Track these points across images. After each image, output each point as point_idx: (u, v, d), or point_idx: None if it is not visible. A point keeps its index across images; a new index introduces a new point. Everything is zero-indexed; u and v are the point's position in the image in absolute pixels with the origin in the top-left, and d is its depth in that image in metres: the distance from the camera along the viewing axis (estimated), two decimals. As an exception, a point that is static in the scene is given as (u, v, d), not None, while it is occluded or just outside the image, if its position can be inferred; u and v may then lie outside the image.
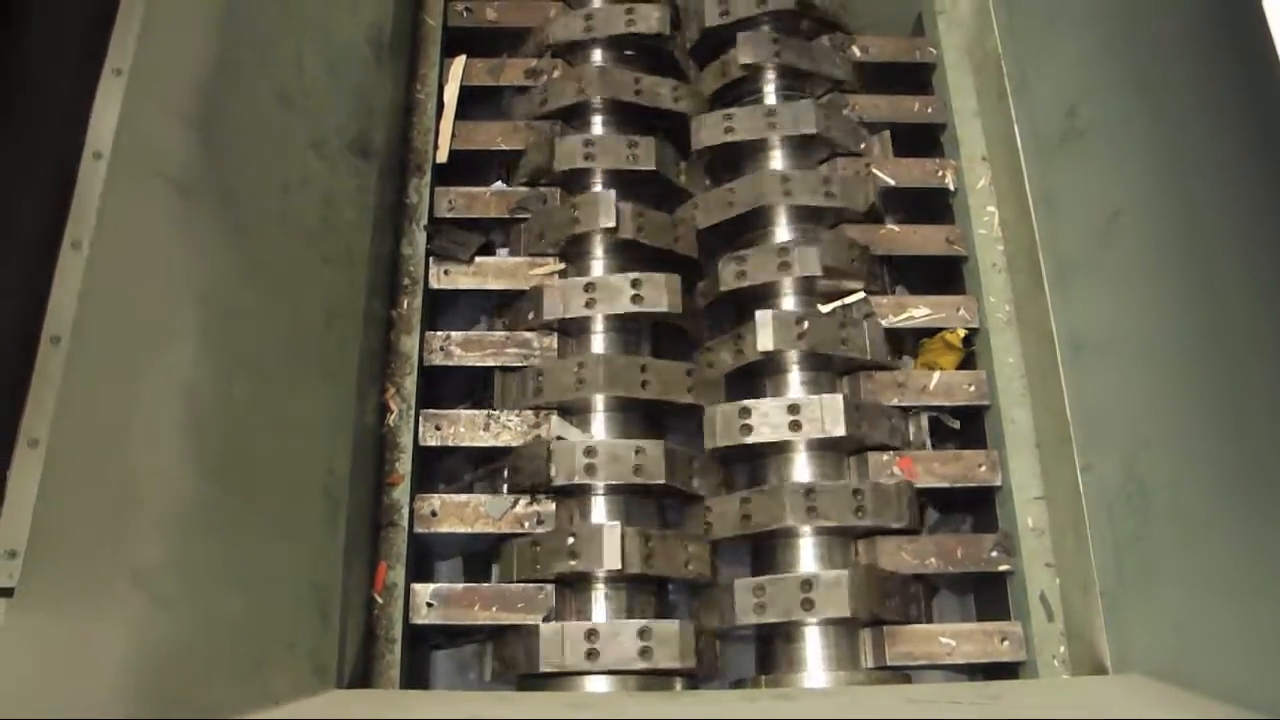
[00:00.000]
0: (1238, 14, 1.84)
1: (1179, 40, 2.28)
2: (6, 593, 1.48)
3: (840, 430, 2.69)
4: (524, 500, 2.77)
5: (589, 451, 2.71)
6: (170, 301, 1.97)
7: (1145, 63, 2.41)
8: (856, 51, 3.37)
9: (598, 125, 3.25)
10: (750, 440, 2.74)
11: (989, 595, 2.89)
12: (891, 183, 3.15)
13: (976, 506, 2.97)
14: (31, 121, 1.75)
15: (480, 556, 2.94)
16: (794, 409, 2.72)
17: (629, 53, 3.32)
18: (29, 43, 1.79)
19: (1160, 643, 2.31)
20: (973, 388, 2.92)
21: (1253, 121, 2.00)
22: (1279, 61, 1.70)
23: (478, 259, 3.02)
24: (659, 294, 2.85)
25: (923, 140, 3.33)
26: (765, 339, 2.80)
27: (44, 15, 1.81)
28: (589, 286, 2.88)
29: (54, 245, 1.67)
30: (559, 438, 2.79)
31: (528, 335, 2.93)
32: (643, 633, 2.55)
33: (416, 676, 2.80)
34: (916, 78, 3.43)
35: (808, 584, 2.59)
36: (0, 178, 1.69)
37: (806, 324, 2.81)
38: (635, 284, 2.86)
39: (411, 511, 2.74)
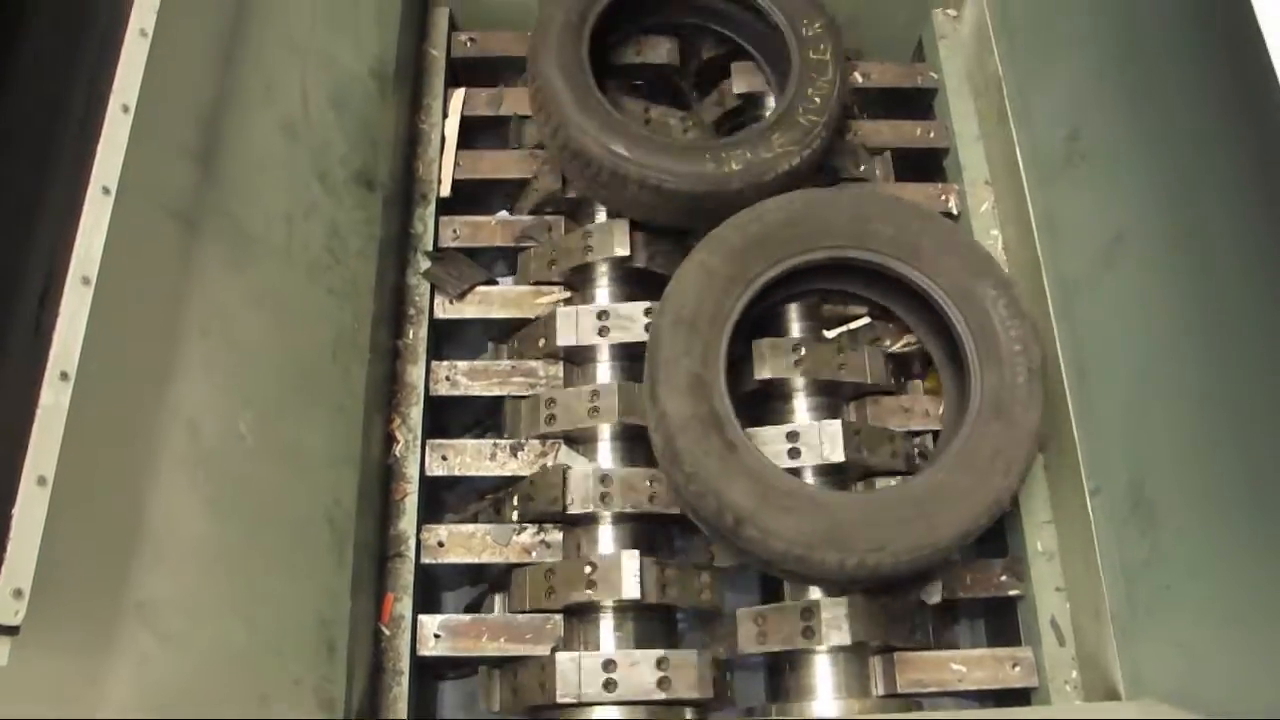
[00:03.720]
0: (1236, 37, 1.84)
1: (1178, 63, 2.29)
2: (12, 631, 1.47)
3: (839, 456, 2.68)
4: (531, 529, 2.76)
5: (603, 480, 2.71)
6: (175, 335, 1.98)
7: (1145, 86, 2.42)
8: (858, 77, 3.38)
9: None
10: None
11: (999, 620, 2.88)
12: (895, 208, 3.15)
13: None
14: (38, 154, 1.76)
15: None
16: (793, 436, 2.71)
17: (637, 82, 3.33)
18: (35, 77, 1.79)
19: (1173, 667, 2.30)
20: (979, 412, 2.90)
21: (1252, 142, 2.00)
22: (1277, 83, 1.70)
23: (483, 288, 3.02)
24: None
25: (926, 165, 3.34)
26: (761, 367, 2.79)
27: (49, 48, 1.82)
28: (602, 314, 2.88)
29: (61, 279, 1.67)
30: (567, 466, 2.78)
31: (534, 364, 2.93)
32: (660, 662, 2.54)
33: (424, 709, 2.78)
34: (918, 103, 3.43)
35: (809, 611, 2.58)
36: (6, 209, 1.69)
37: (803, 350, 2.81)
38: (649, 313, 2.85)
39: (418, 542, 2.74)
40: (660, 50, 3.27)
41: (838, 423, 2.70)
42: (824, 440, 2.68)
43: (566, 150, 2.84)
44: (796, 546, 2.39)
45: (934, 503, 2.44)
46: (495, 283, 3.11)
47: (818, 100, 2.91)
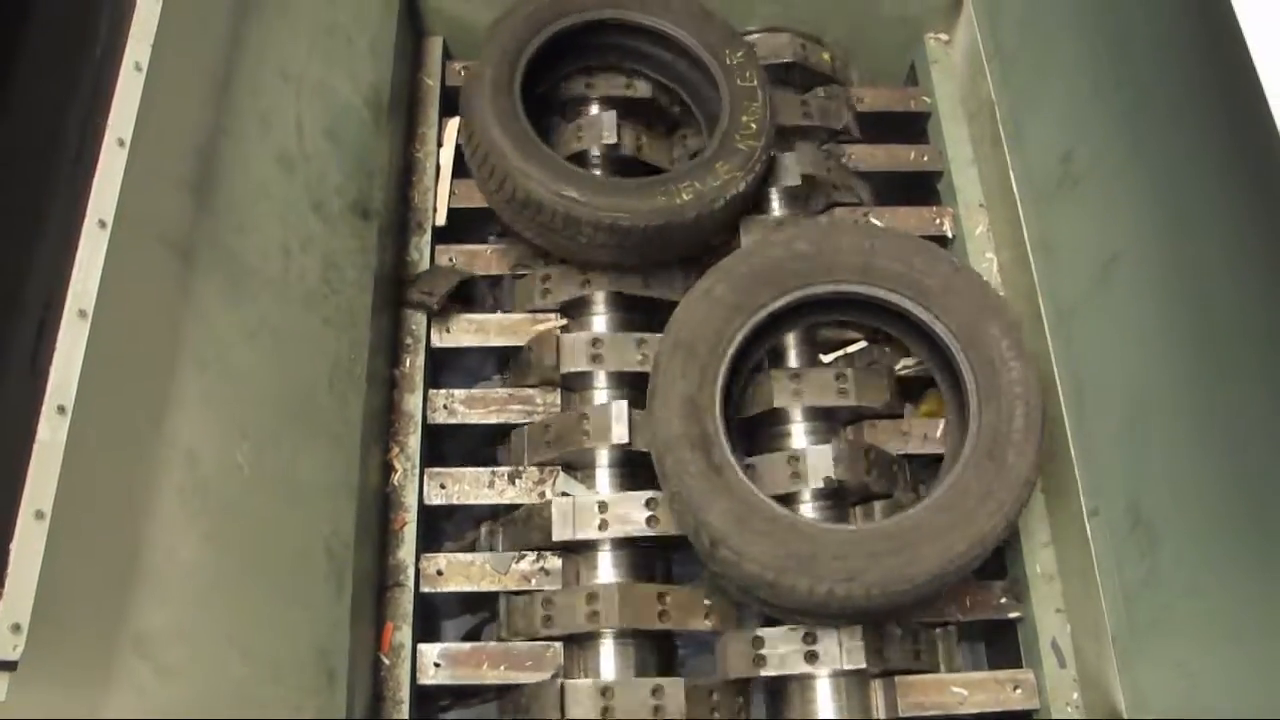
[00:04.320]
0: (1228, 58, 1.85)
1: (1170, 85, 2.30)
2: (10, 666, 1.47)
3: (827, 478, 2.68)
4: (530, 557, 2.76)
5: (601, 507, 2.71)
6: (172, 367, 1.98)
7: (1138, 108, 2.43)
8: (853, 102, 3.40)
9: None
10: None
11: (1000, 643, 2.87)
12: (890, 231, 3.16)
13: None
14: (35, 187, 1.76)
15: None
16: (793, 460, 2.72)
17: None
18: (30, 111, 1.81)
19: (1174, 687, 2.29)
20: (977, 434, 2.90)
21: (1244, 162, 2.01)
22: (1268, 103, 1.71)
23: (479, 316, 3.03)
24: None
25: (920, 188, 3.35)
26: (762, 399, 2.82)
27: (44, 82, 1.83)
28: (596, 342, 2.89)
29: (58, 312, 1.67)
30: (564, 494, 2.78)
31: (530, 391, 2.93)
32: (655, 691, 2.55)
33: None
34: (912, 127, 3.45)
35: (811, 636, 2.58)
36: (3, 243, 1.69)
37: (801, 379, 2.82)
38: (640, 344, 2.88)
39: (417, 571, 2.73)
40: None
41: (828, 447, 2.71)
42: (819, 463, 2.68)
43: (514, 201, 2.84)
44: (769, 571, 2.39)
45: (915, 538, 2.42)
46: (472, 277, 3.10)
47: (753, 125, 2.96)
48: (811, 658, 2.56)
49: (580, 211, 2.76)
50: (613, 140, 3.06)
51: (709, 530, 2.42)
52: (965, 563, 2.43)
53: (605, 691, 2.55)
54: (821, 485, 2.67)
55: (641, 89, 3.27)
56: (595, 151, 3.12)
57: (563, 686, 2.56)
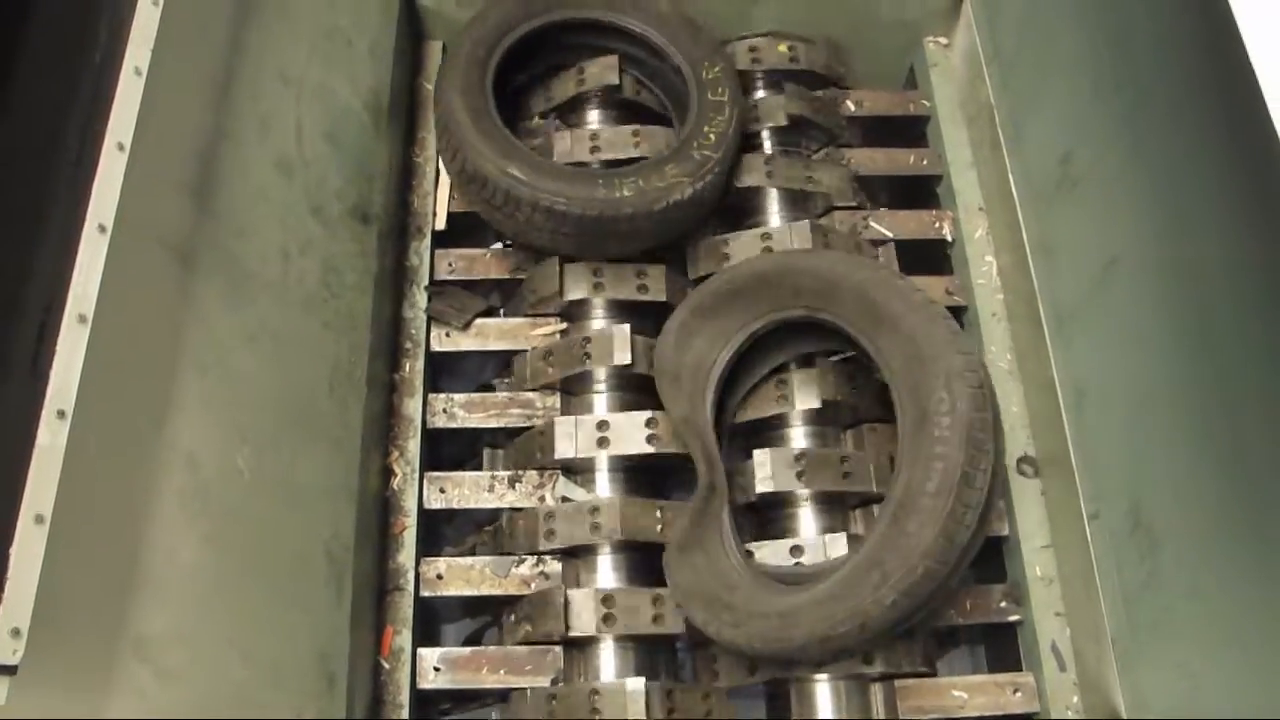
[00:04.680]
0: (1227, 61, 1.85)
1: (1170, 86, 2.30)
2: (10, 670, 1.47)
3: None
4: (530, 561, 2.76)
5: (594, 510, 2.72)
6: (172, 371, 1.98)
7: (1136, 111, 2.43)
8: (851, 106, 3.40)
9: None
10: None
11: (1000, 646, 2.87)
12: (889, 235, 3.16)
13: (982, 557, 2.95)
14: (35, 192, 1.76)
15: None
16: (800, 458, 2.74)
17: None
18: (30, 115, 1.81)
19: (1174, 689, 2.29)
20: (977, 437, 2.90)
21: (1243, 165, 2.01)
22: (1267, 105, 1.71)
23: (479, 320, 3.03)
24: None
25: (919, 191, 3.35)
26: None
27: (44, 86, 1.83)
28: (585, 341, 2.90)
29: (58, 317, 1.68)
30: (564, 498, 2.79)
31: (530, 396, 2.93)
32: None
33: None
34: (911, 130, 3.45)
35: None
36: (3, 247, 1.69)
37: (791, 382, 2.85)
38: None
39: (417, 575, 2.73)
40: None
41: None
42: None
43: (464, 174, 2.90)
44: (687, 598, 2.54)
45: (802, 603, 2.39)
46: (496, 311, 3.11)
47: (713, 137, 2.98)
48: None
49: (521, 191, 2.81)
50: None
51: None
52: (844, 635, 2.32)
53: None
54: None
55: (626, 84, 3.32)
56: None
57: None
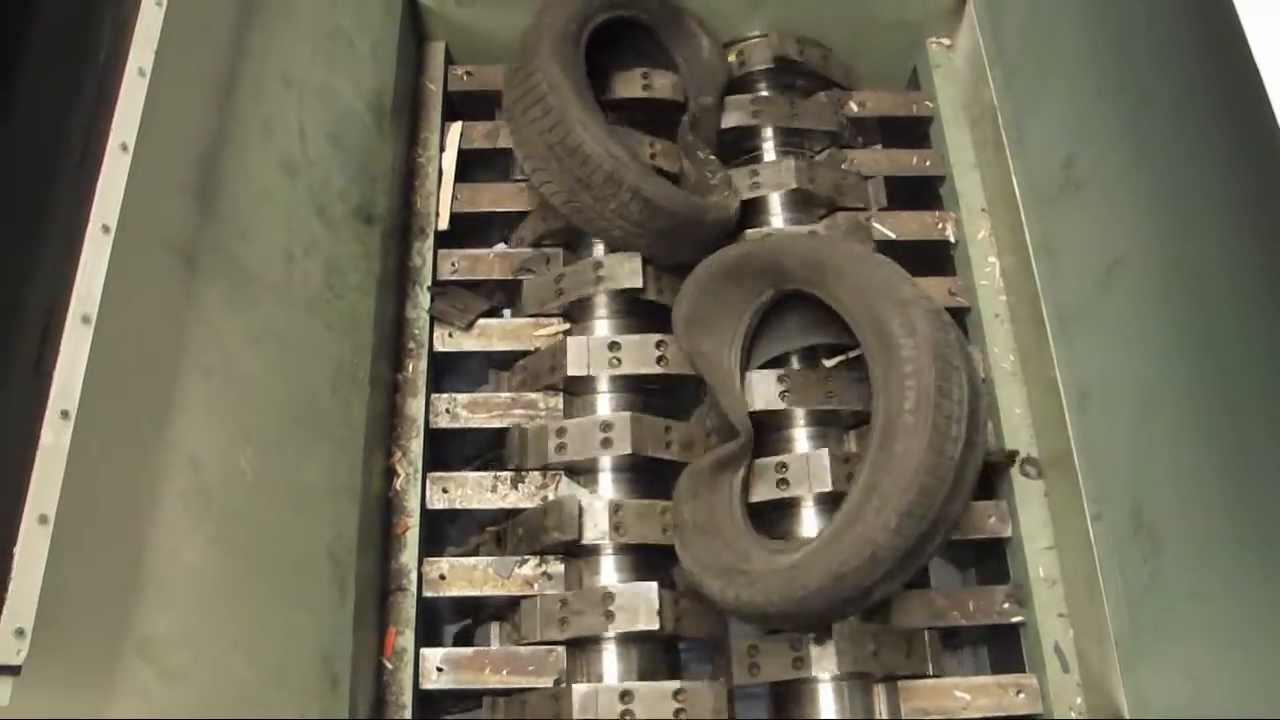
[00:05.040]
0: (1231, 63, 1.85)
1: (1173, 88, 2.30)
2: (14, 670, 1.47)
3: (827, 486, 2.70)
4: (533, 561, 2.76)
5: (615, 509, 2.73)
6: (176, 372, 1.98)
7: (1140, 113, 2.43)
8: (854, 106, 3.40)
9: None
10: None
11: (1003, 647, 2.87)
12: (892, 236, 3.16)
13: (985, 558, 2.96)
14: (38, 192, 1.77)
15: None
16: (781, 467, 2.76)
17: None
18: (33, 116, 1.81)
19: (1177, 690, 2.29)
20: (979, 438, 2.90)
21: (1247, 166, 2.01)
22: (1271, 106, 1.71)
23: (481, 320, 3.03)
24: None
25: (922, 193, 3.35)
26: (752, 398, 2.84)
27: (48, 87, 1.83)
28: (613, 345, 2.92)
29: (61, 317, 1.68)
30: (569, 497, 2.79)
31: (534, 396, 2.93)
32: (678, 694, 2.56)
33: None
34: (914, 131, 3.45)
35: (817, 639, 2.58)
36: (6, 252, 1.70)
37: (790, 382, 2.84)
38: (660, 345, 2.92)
39: (420, 575, 2.73)
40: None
41: (824, 452, 2.75)
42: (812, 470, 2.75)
43: (563, 145, 2.80)
44: (695, 567, 2.54)
45: (812, 546, 2.44)
46: (499, 312, 3.11)
47: None
48: (798, 663, 2.57)
49: (626, 175, 2.79)
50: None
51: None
52: (857, 569, 2.34)
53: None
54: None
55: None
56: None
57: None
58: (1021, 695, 2.65)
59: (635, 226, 2.86)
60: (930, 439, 2.34)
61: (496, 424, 2.92)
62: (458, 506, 2.84)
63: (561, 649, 2.65)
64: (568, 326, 3.01)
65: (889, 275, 2.62)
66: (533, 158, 2.90)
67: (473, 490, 2.85)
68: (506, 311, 3.16)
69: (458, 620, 2.98)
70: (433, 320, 3.01)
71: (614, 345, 2.88)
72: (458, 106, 3.42)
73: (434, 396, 2.94)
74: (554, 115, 2.80)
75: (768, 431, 2.88)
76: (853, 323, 2.61)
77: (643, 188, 2.79)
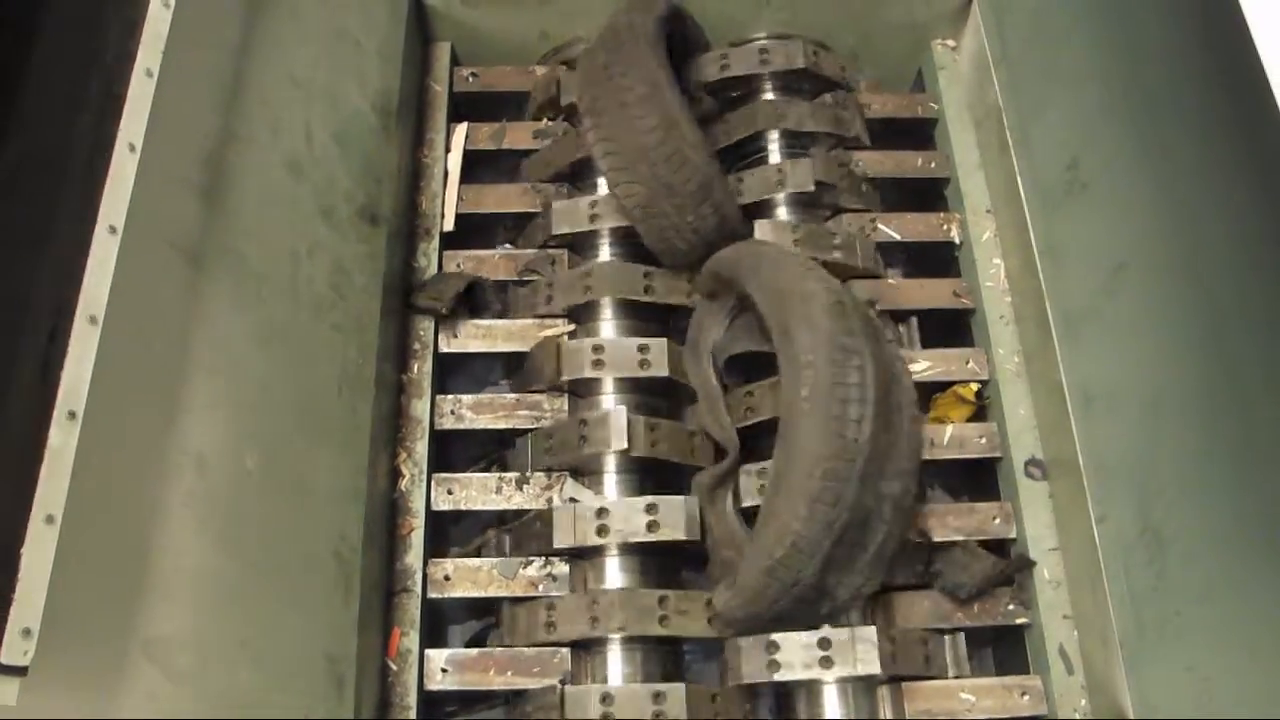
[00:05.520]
0: (1237, 66, 1.85)
1: (1179, 91, 2.30)
2: (20, 671, 1.47)
3: None
4: (537, 562, 2.76)
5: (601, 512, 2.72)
6: (182, 373, 1.98)
7: (1145, 115, 2.43)
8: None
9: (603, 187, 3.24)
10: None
11: (1007, 649, 2.87)
12: (896, 237, 3.16)
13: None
14: (45, 193, 1.77)
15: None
16: (763, 473, 2.74)
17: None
18: (41, 117, 1.81)
19: (1183, 693, 2.29)
20: (984, 440, 2.90)
21: (1254, 168, 2.01)
22: (1278, 110, 1.70)
23: (486, 321, 3.03)
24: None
25: (927, 194, 3.35)
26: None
27: (56, 88, 1.84)
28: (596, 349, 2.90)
29: (69, 318, 1.68)
30: (572, 499, 2.79)
31: (538, 397, 2.93)
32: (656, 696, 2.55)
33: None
34: (919, 133, 3.45)
35: (826, 642, 2.57)
36: (13, 253, 1.70)
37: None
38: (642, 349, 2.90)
39: (425, 576, 2.73)
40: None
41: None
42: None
43: (661, 149, 2.75)
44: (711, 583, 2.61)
45: (751, 545, 2.49)
46: (481, 282, 3.08)
47: None
48: (825, 663, 2.56)
49: (715, 189, 2.82)
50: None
51: None
52: (785, 560, 2.33)
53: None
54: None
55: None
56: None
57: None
58: (1026, 697, 2.65)
59: (701, 241, 2.87)
60: (825, 423, 2.31)
61: (501, 425, 2.92)
62: (463, 508, 2.84)
63: (566, 650, 2.65)
64: (573, 328, 3.01)
65: (793, 270, 2.60)
66: (619, 156, 2.83)
67: (478, 491, 2.85)
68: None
69: (467, 621, 3.00)
70: (437, 321, 3.00)
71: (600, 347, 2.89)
72: (463, 108, 3.42)
73: (439, 398, 2.94)
74: (660, 119, 2.75)
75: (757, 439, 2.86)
76: (766, 320, 2.62)
77: (725, 204, 2.82)
